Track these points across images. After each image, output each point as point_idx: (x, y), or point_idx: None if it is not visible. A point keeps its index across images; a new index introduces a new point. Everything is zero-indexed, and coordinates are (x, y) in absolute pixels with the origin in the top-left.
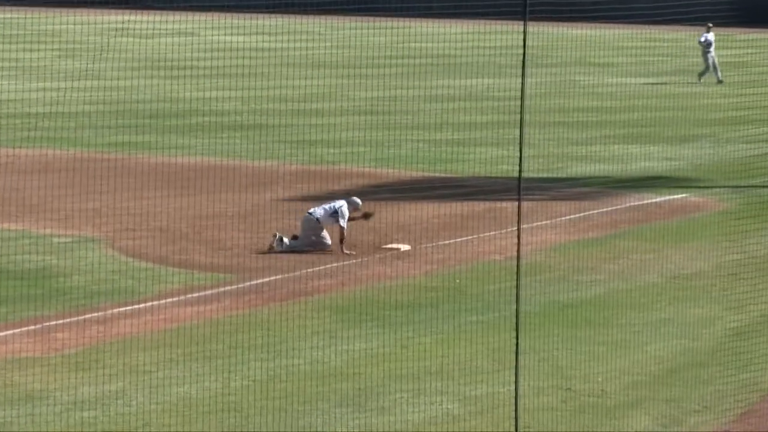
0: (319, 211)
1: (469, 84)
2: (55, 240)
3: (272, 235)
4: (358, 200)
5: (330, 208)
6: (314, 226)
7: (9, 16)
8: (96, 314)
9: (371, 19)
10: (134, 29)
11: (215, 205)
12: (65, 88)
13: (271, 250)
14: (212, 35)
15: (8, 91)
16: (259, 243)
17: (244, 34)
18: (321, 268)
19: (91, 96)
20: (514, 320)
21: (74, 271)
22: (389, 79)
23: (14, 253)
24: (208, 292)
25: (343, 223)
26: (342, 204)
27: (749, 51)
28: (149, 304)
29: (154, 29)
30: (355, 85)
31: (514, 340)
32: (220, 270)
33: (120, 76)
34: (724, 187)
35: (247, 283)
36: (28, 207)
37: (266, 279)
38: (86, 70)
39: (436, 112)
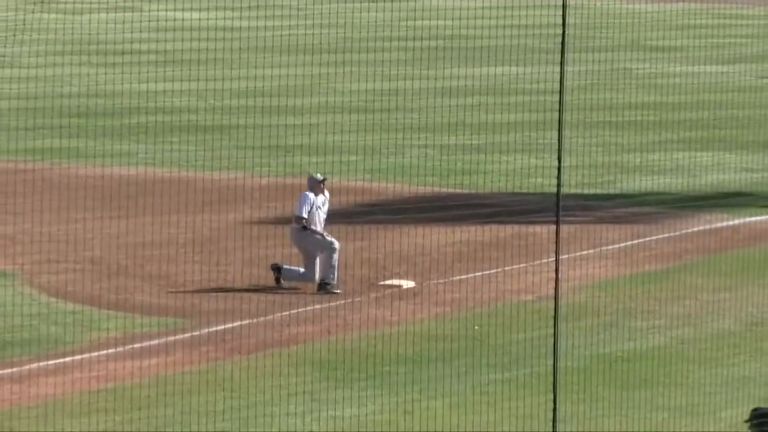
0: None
1: (492, 73)
2: None
3: (270, 267)
4: (316, 175)
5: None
6: (300, 231)
7: None
8: (10, 370)
9: None
10: (58, 3)
11: (162, 230)
12: None
13: (278, 284)
14: (158, 10)
15: None
16: (219, 278)
17: (199, 9)
18: (300, 310)
19: (2, 89)
20: (550, 379)
21: None
22: (388, 67)
23: None
24: (154, 342)
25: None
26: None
27: None
28: (78, 357)
29: (83, 3)
30: (345, 75)
31: (551, 405)
32: (169, 313)
33: (40, 63)
34: None
35: (204, 331)
36: None
37: (229, 325)
38: None
39: (449, 109)
